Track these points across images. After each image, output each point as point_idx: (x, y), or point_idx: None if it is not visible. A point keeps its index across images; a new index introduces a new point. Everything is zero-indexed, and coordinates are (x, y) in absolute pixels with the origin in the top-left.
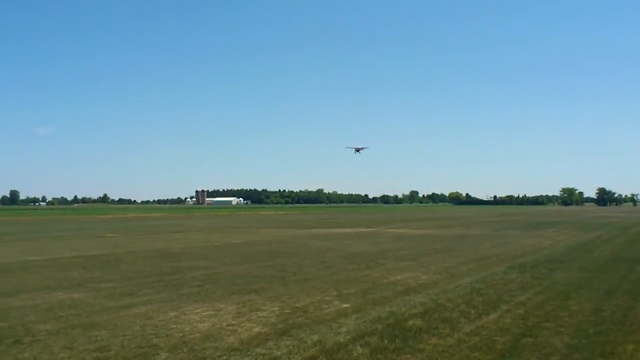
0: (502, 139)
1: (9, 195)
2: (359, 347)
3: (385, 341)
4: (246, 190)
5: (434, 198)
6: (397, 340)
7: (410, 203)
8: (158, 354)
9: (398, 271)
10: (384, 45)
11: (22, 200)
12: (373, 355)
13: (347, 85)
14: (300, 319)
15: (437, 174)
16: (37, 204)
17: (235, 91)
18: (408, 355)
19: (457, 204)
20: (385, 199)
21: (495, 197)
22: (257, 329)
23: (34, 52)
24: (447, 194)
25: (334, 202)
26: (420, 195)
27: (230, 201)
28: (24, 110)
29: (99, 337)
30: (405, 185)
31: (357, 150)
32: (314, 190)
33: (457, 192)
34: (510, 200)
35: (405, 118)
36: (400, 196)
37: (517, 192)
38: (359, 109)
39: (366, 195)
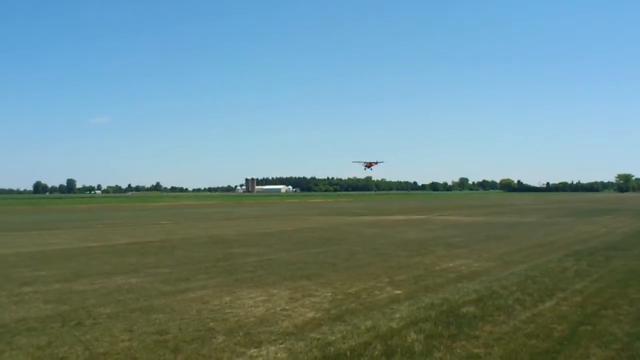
0: (555, 124)
1: (66, 184)
2: (413, 333)
3: (440, 328)
4: (295, 178)
5: (484, 185)
6: (451, 327)
7: (460, 190)
8: (215, 337)
9: (450, 258)
10: (428, 25)
11: (79, 189)
12: (427, 341)
13: (394, 70)
14: (353, 304)
15: (487, 160)
16: (93, 192)
17: (285, 80)
18: (463, 342)
19: (508, 191)
20: (434, 186)
21: (548, 183)
22: (310, 314)
23: (90, 48)
24: (498, 181)
25: (383, 190)
26: (470, 182)
27: (280, 189)
28: (80, 101)
29: (157, 321)
30: (455, 172)
31: (368, 165)
32: (363, 177)
33: (508, 179)
34: (563, 187)
35: (455, 103)
36: (449, 183)
37: (571, 178)
38: (406, 93)
39: (415, 183)
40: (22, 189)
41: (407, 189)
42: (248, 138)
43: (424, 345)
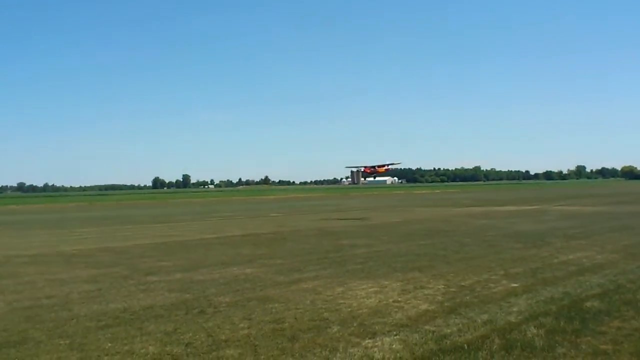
0: None
1: (182, 180)
2: (532, 327)
3: (562, 323)
4: (401, 169)
5: (603, 173)
6: (574, 322)
7: (577, 179)
8: (330, 327)
9: (569, 250)
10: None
11: (193, 184)
12: (549, 336)
13: (505, 52)
14: (467, 297)
15: (606, 145)
16: (206, 186)
17: (388, 67)
18: (589, 338)
19: (630, 179)
20: (548, 175)
21: None
22: (423, 306)
23: (200, 50)
24: (619, 168)
25: (493, 180)
26: (587, 170)
27: (385, 180)
28: (193, 100)
29: (273, 310)
30: (571, 160)
31: (370, 172)
32: (471, 167)
33: (631, 166)
34: None
35: (569, 86)
36: (565, 172)
37: None
38: (519, 77)
39: (527, 172)
40: (142, 185)
41: (518, 179)
42: (353, 130)
43: (546, 340)
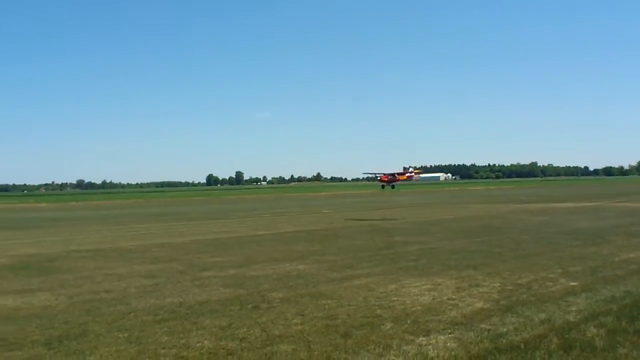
0: None
1: (235, 176)
2: (592, 327)
3: (623, 323)
4: (454, 165)
5: None
6: (636, 322)
7: (639, 174)
8: (383, 324)
9: (630, 248)
10: None
11: (246, 180)
12: (610, 336)
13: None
14: (524, 295)
15: None
16: (259, 183)
17: (443, 65)
18: None
19: None
20: (608, 171)
21: None
22: (479, 305)
23: (254, 45)
24: None
25: (550, 176)
26: None
27: (438, 177)
28: (246, 99)
29: (326, 306)
30: (632, 155)
31: (387, 180)
32: (527, 163)
33: None
34: None
35: (631, 76)
36: (626, 167)
37: None
38: (568, 76)
39: (586, 168)
40: (196, 182)
41: (577, 175)
42: (405, 126)
43: (606, 340)
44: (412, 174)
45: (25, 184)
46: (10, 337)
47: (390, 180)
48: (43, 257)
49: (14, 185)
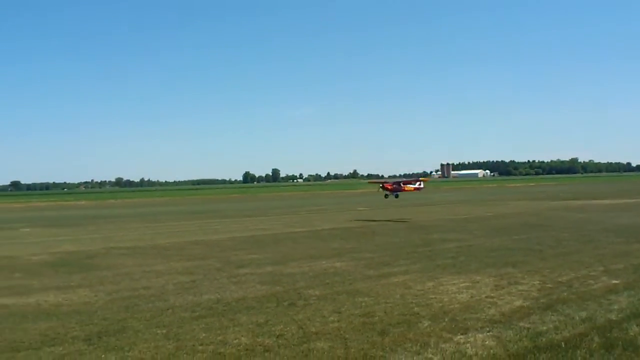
0: None
1: (271, 174)
2: (635, 326)
3: None
4: (492, 162)
5: None
6: None
7: None
8: (420, 322)
9: None
10: None
11: (282, 178)
12: None
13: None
14: (564, 294)
15: None
16: (295, 180)
17: (481, 61)
18: None
19: None
20: None
21: None
22: (518, 303)
23: (291, 44)
24: None
25: (591, 172)
26: None
27: (477, 174)
28: (283, 95)
29: (363, 304)
30: None
31: (390, 188)
32: (567, 159)
33: None
34: None
35: None
36: None
37: None
38: (611, 71)
39: (629, 164)
40: (233, 179)
41: (619, 171)
42: (443, 123)
43: None
44: (421, 185)
45: (65, 182)
46: (51, 332)
47: (394, 189)
48: (83, 254)
49: (54, 183)
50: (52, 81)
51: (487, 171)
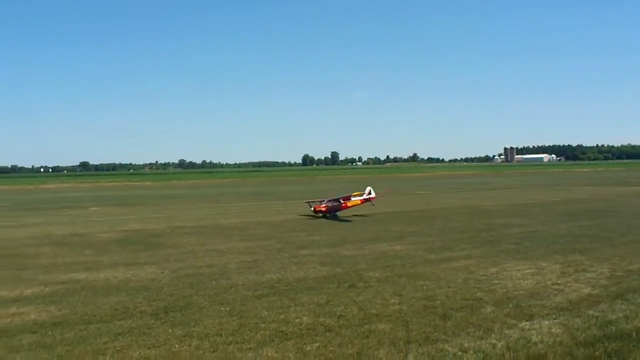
0: None
1: (330, 156)
2: None
3: None
4: (559, 146)
5: None
6: None
7: None
8: (483, 307)
9: None
10: None
11: (342, 161)
12: None
13: None
14: (635, 282)
15: None
16: (354, 164)
17: (545, 46)
18: None
19: None
20: None
21: None
22: (586, 290)
23: (354, 27)
24: None
25: None
26: None
27: (542, 158)
28: (343, 78)
29: (424, 287)
30: None
31: (322, 211)
32: (639, 144)
33: None
34: None
35: None
36: None
37: None
38: None
39: None
40: (292, 162)
41: None
42: (506, 105)
43: None
44: (372, 194)
45: (130, 163)
46: (121, 306)
47: (331, 209)
48: (148, 232)
49: (120, 164)
50: (113, 66)
51: (553, 155)
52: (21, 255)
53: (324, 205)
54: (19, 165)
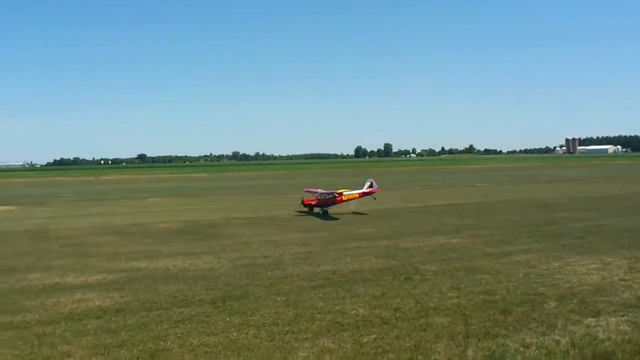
0: None
1: (383, 148)
2: None
3: None
4: (625, 137)
5: None
6: None
7: None
8: (546, 302)
9: None
10: None
11: (395, 153)
12: None
13: None
14: None
15: None
16: (407, 155)
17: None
18: None
19: None
20: None
21: None
22: None
23: (406, 13)
24: None
25: None
26: None
27: (606, 149)
28: (398, 67)
29: (483, 281)
30: None
31: (309, 205)
32: None
33: None
34: None
35: None
36: None
37: None
38: None
39: None
40: (345, 154)
41: None
42: (566, 94)
43: None
44: (374, 187)
45: (186, 156)
46: (180, 295)
47: (323, 203)
48: (205, 223)
49: (176, 156)
50: (169, 62)
51: (619, 147)
52: (85, 244)
53: (312, 199)
54: (81, 158)
